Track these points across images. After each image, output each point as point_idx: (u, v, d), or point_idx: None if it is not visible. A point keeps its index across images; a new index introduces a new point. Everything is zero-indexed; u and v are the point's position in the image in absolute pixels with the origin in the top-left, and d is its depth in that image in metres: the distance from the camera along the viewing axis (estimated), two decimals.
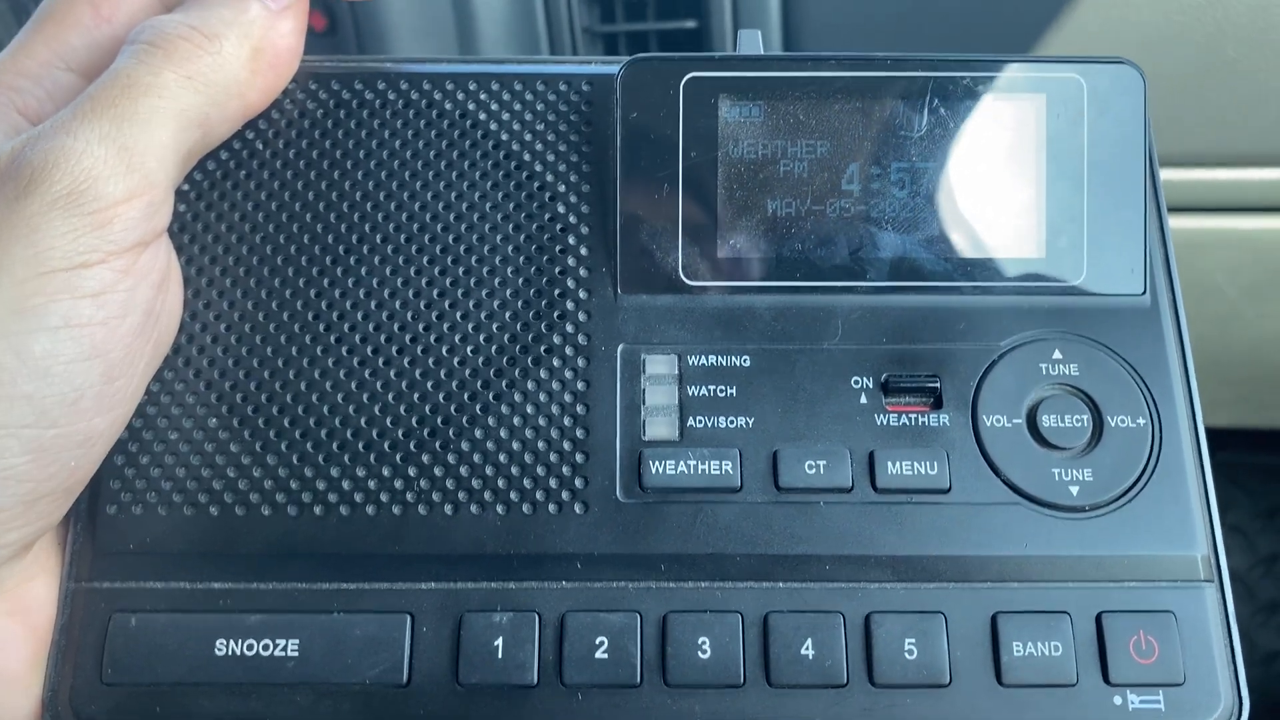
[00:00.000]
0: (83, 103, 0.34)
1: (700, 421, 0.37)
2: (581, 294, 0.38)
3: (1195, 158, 0.67)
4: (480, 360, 0.37)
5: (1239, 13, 0.61)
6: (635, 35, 0.69)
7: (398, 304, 0.38)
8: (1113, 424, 0.37)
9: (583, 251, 0.39)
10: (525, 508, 0.36)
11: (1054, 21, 0.62)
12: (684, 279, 0.39)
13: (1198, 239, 0.71)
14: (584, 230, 0.39)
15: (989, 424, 0.37)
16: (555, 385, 0.37)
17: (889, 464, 0.36)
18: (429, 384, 0.37)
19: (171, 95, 0.34)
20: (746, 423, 0.37)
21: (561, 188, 0.39)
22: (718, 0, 0.65)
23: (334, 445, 0.36)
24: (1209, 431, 0.39)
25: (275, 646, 0.35)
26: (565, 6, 0.66)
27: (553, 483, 0.36)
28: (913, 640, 0.35)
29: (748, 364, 0.38)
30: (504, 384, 0.37)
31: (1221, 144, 0.67)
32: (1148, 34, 0.62)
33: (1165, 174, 0.65)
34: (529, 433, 0.37)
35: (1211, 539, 0.36)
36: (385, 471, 0.36)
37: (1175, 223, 0.38)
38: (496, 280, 0.38)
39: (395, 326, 0.38)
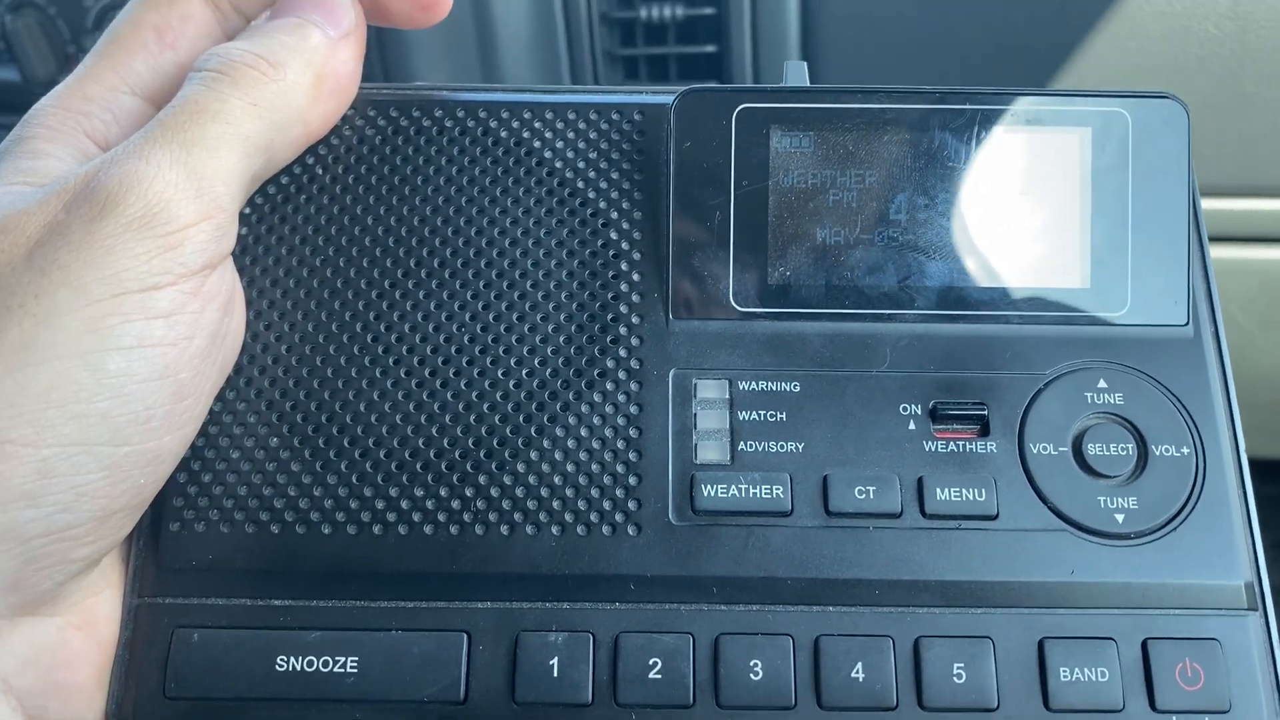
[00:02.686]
0: (153, 128, 0.34)
1: (751, 446, 0.38)
2: (634, 319, 0.39)
3: (1211, 188, 0.68)
4: (535, 383, 0.38)
5: (1258, 47, 0.62)
6: (655, 60, 0.70)
7: (455, 327, 0.39)
8: (1157, 453, 0.38)
9: (635, 277, 0.40)
10: (579, 529, 0.37)
11: (1073, 55, 0.63)
12: (735, 305, 0.39)
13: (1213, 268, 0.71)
14: (636, 256, 0.40)
15: (1035, 451, 0.38)
16: (609, 408, 0.38)
17: (937, 490, 0.37)
18: (485, 406, 0.38)
19: (238, 121, 0.35)
20: (797, 447, 0.38)
21: (614, 215, 0.40)
22: (738, 26, 0.66)
23: (392, 465, 0.37)
24: None
25: (335, 663, 0.35)
26: (587, 31, 0.67)
27: (606, 504, 0.37)
28: (961, 664, 0.35)
29: (797, 389, 0.38)
30: (558, 406, 0.38)
31: (1238, 175, 0.67)
32: (1166, 67, 0.63)
33: None
34: (583, 455, 0.37)
35: (1255, 567, 0.37)
36: (442, 492, 0.37)
37: None
38: (551, 305, 0.39)
39: (452, 349, 0.38)
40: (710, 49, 0.69)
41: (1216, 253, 0.71)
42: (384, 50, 0.65)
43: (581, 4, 0.67)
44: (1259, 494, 0.38)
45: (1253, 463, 0.39)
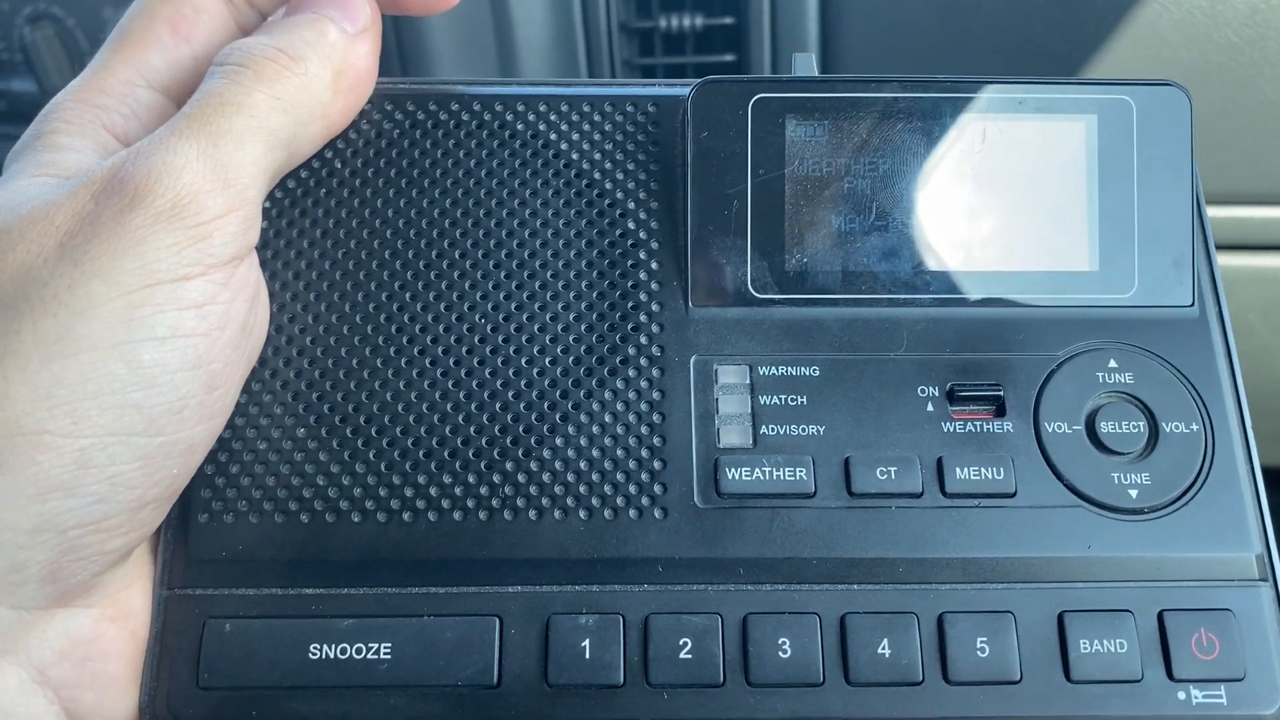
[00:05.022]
0: (179, 121, 0.35)
1: (773, 430, 0.38)
2: (654, 307, 0.40)
3: (1231, 195, 0.69)
4: (559, 370, 0.39)
5: (1277, 55, 0.63)
6: (673, 69, 0.71)
7: (478, 317, 0.39)
8: (1167, 430, 0.39)
9: (654, 266, 0.40)
10: (607, 513, 0.37)
11: (1089, 56, 0.64)
12: (753, 292, 0.40)
13: (1230, 275, 0.71)
14: (654, 246, 0.40)
15: (1050, 430, 0.39)
16: (632, 395, 0.38)
17: (956, 469, 0.38)
18: (510, 394, 0.38)
19: (262, 114, 0.35)
20: (818, 430, 0.38)
21: (631, 205, 0.41)
22: (757, 35, 0.66)
23: (420, 453, 0.37)
24: None
25: (368, 650, 0.36)
26: (606, 39, 0.68)
27: (633, 489, 0.37)
28: (984, 639, 0.36)
29: (817, 374, 0.39)
30: (582, 393, 0.38)
31: (1257, 182, 0.68)
32: (1185, 73, 0.63)
33: None
34: (608, 440, 0.38)
35: (1265, 539, 0.38)
36: (470, 478, 0.37)
37: None
38: (572, 294, 0.39)
39: (476, 339, 0.39)
40: (729, 58, 0.69)
41: (1234, 260, 0.72)
42: (403, 52, 0.65)
43: (601, 14, 0.67)
44: (1274, 504, 0.39)
45: (1269, 472, 0.40)
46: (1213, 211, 0.69)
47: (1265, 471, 0.40)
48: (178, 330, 0.33)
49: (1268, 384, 0.73)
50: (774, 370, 0.39)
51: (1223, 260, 0.71)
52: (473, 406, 0.38)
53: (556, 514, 0.37)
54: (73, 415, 0.31)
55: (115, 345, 0.32)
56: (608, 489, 0.37)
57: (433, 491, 0.37)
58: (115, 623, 0.35)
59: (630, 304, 0.40)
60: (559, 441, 0.38)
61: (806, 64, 0.45)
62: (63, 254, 0.32)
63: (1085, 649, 0.36)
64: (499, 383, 0.38)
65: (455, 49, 0.65)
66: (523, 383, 0.38)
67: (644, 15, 0.70)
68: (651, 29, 0.69)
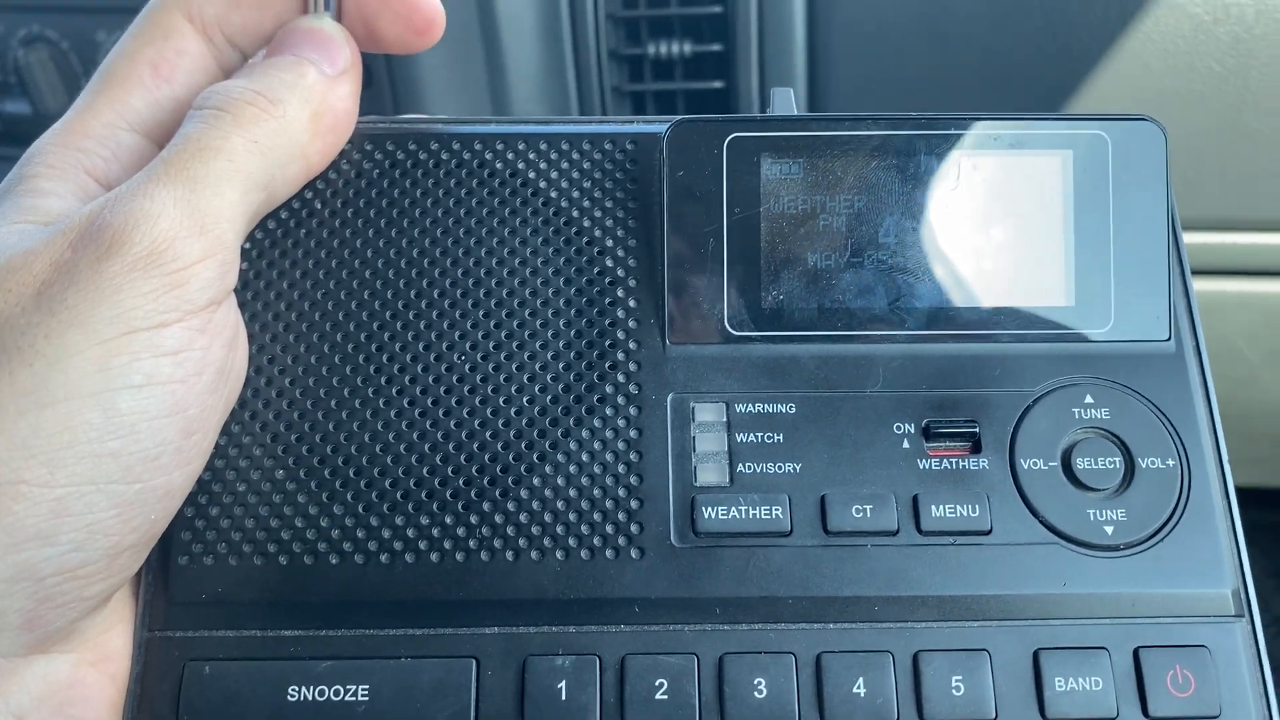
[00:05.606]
0: (157, 166, 0.35)
1: (750, 467, 0.39)
2: (631, 345, 0.40)
3: (1216, 222, 0.69)
4: (536, 410, 0.39)
5: (1259, 83, 0.64)
6: (663, 95, 0.71)
7: (455, 356, 0.39)
8: (1143, 465, 0.39)
9: (631, 304, 0.40)
10: (583, 553, 0.37)
11: (1075, 85, 0.64)
12: (730, 329, 0.40)
13: (1218, 301, 0.73)
14: (632, 284, 0.41)
15: (1026, 467, 0.39)
16: (609, 433, 0.39)
17: (932, 507, 0.38)
18: (488, 434, 0.38)
19: (239, 158, 0.36)
20: (794, 468, 0.39)
21: (609, 243, 0.41)
22: (745, 62, 0.67)
23: (398, 494, 0.38)
24: None
25: (346, 692, 0.36)
26: (595, 66, 0.68)
27: (609, 529, 0.38)
28: (959, 677, 0.36)
29: (793, 411, 0.39)
30: (559, 433, 0.39)
31: (1242, 209, 0.69)
32: (1169, 101, 0.64)
33: (1186, 237, 0.67)
34: (585, 480, 0.38)
35: (1240, 575, 0.38)
36: (448, 519, 0.38)
37: (1195, 285, 0.41)
38: (549, 333, 0.40)
39: (454, 378, 0.39)
40: (717, 84, 0.70)
41: (1220, 286, 0.72)
42: (394, 83, 0.66)
43: (590, 41, 0.68)
44: (1262, 523, 0.39)
45: (1255, 492, 0.40)
46: (1198, 238, 0.70)
47: (1255, 493, 0.40)
48: (154, 378, 0.33)
49: (1254, 407, 0.73)
50: (751, 408, 0.39)
51: (1208, 286, 0.71)
52: (450, 447, 0.38)
53: (533, 554, 0.37)
54: (49, 465, 0.31)
55: (92, 394, 0.32)
56: (584, 529, 0.38)
57: (410, 533, 0.37)
58: (95, 667, 0.35)
59: (608, 342, 0.40)
60: (536, 481, 0.38)
61: (785, 100, 0.45)
62: (40, 303, 0.32)
63: (1060, 686, 0.36)
64: (476, 422, 0.39)
65: (446, 80, 0.65)
66: (500, 422, 0.39)
67: (633, 43, 0.70)
68: (641, 56, 0.70)
